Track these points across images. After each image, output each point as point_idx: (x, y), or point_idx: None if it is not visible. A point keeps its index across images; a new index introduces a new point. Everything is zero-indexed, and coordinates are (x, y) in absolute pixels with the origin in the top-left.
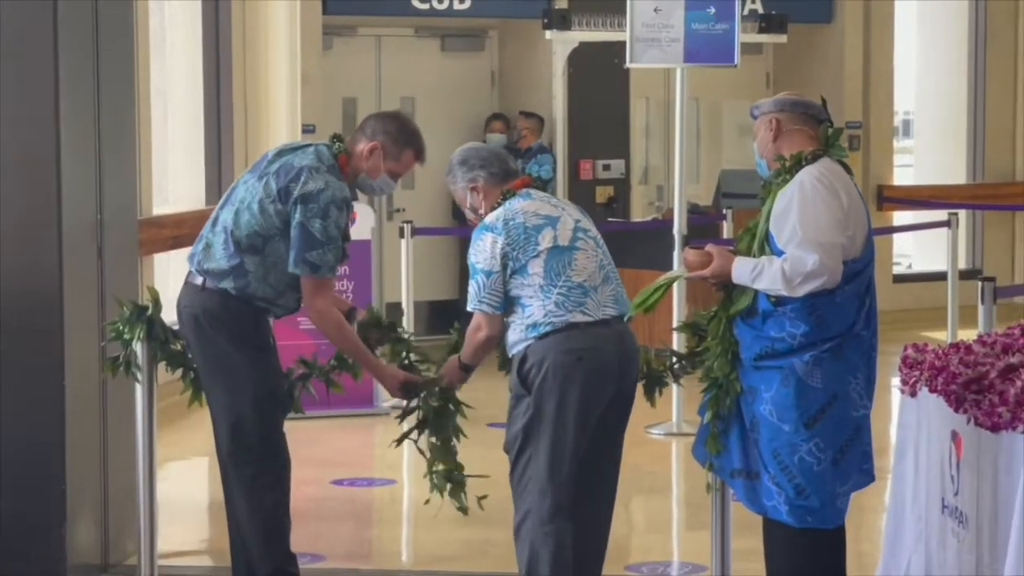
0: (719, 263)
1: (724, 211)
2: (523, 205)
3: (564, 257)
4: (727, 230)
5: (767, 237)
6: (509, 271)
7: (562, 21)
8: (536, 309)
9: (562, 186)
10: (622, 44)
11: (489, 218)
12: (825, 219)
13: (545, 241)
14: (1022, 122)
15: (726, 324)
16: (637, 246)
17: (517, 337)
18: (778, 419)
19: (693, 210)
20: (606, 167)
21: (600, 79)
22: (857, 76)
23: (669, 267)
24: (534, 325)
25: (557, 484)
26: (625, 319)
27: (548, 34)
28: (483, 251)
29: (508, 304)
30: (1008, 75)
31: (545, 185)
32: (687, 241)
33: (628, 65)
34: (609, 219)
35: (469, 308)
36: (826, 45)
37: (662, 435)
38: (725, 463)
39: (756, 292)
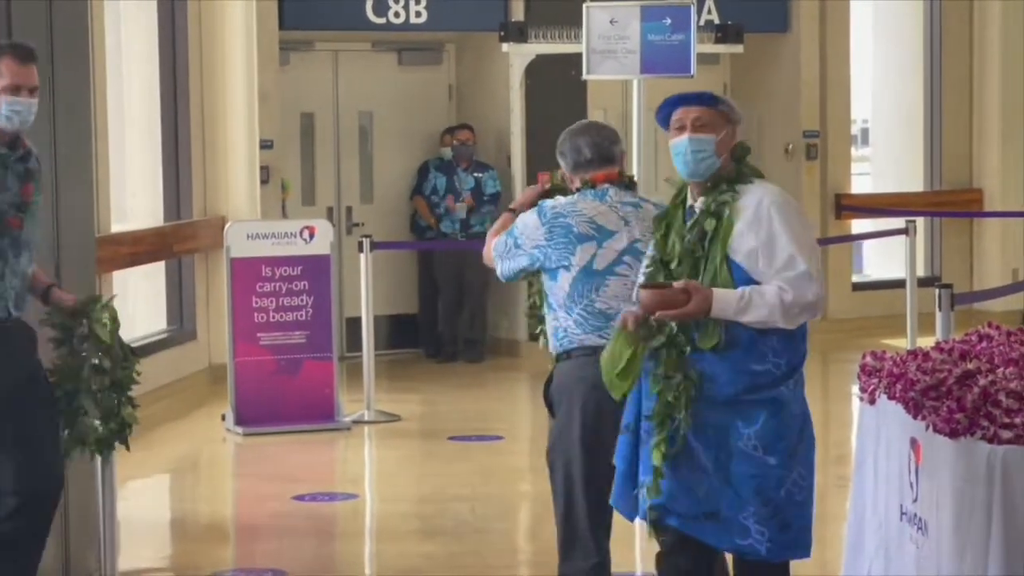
0: (699, 301)
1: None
2: (586, 205)
3: (593, 281)
4: None
5: (728, 265)
6: (539, 265)
7: (519, 34)
8: (561, 318)
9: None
10: (579, 56)
11: (551, 201)
12: (813, 244)
13: (579, 259)
14: (978, 129)
15: (680, 359)
16: None
17: (551, 341)
18: (764, 453)
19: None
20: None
21: (557, 91)
22: (814, 85)
23: None
24: (557, 333)
25: (569, 522)
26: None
27: (505, 47)
28: (528, 226)
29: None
30: (963, 83)
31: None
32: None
33: (585, 77)
34: None
35: (490, 255)
36: (783, 55)
37: None
38: (683, 508)
39: (725, 324)
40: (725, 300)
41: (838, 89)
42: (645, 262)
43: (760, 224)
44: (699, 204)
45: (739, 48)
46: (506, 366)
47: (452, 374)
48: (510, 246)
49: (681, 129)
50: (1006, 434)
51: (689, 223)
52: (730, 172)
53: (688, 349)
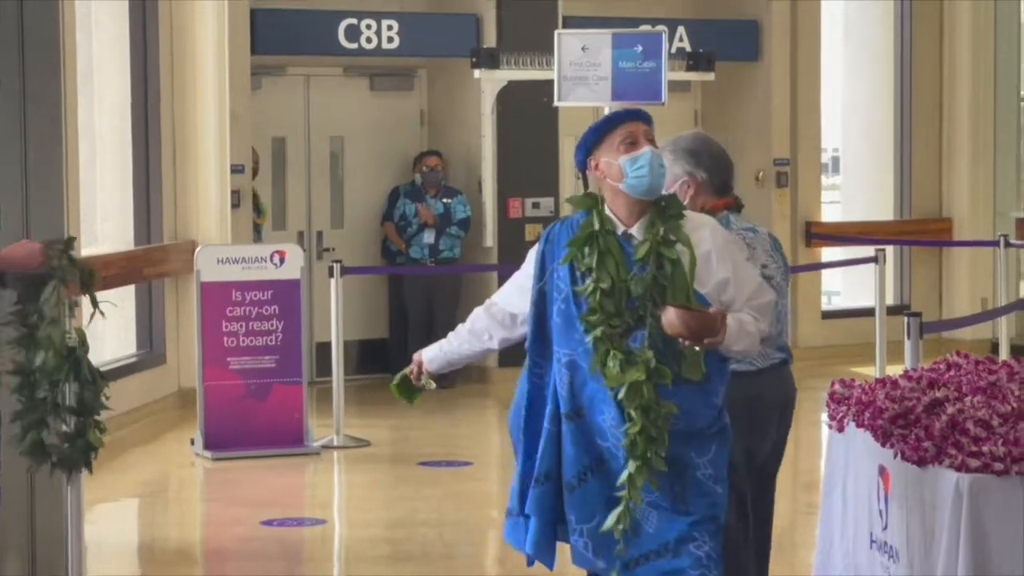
0: (725, 328)
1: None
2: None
3: None
4: None
5: (696, 296)
6: None
7: (490, 60)
8: None
9: (491, 224)
10: (550, 83)
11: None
12: None
13: None
14: (948, 159)
15: (653, 393)
16: None
17: None
18: (714, 482)
19: None
20: (535, 205)
21: (529, 117)
22: (784, 113)
23: None
24: None
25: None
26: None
27: (477, 73)
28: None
29: None
30: (934, 113)
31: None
32: None
33: (556, 104)
34: None
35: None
36: (754, 83)
37: None
38: (641, 547)
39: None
40: (731, 328)
41: (808, 117)
42: (581, 287)
43: (726, 253)
44: (638, 231)
45: (710, 76)
46: (476, 392)
47: (424, 400)
48: None
49: (634, 143)
50: (974, 462)
51: (638, 250)
52: (671, 200)
53: (670, 383)
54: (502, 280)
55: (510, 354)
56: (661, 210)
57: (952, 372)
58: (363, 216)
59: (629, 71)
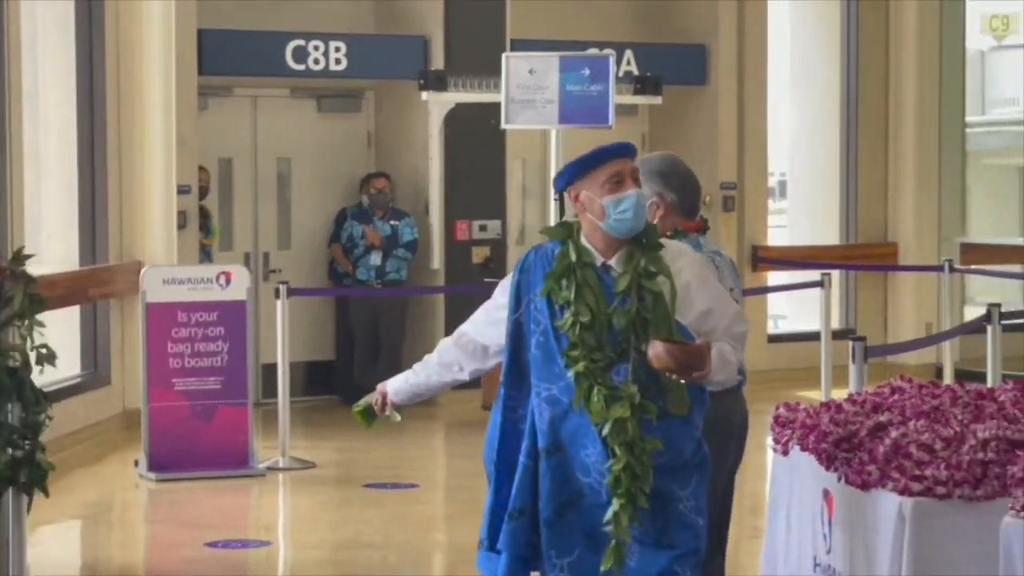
0: (711, 361)
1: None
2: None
3: None
4: None
5: (677, 328)
6: None
7: (438, 82)
8: None
9: (438, 246)
10: (498, 105)
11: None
12: None
13: None
14: (893, 184)
15: (637, 429)
16: None
17: None
18: (696, 514)
19: None
20: (482, 227)
21: (476, 140)
22: (732, 137)
23: None
24: None
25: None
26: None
27: (424, 95)
28: None
29: None
30: (879, 138)
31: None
32: None
33: (504, 126)
34: (486, 279)
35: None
36: (700, 107)
37: None
38: None
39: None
40: (712, 360)
41: (755, 141)
42: (560, 320)
43: (706, 283)
44: (617, 262)
45: (657, 99)
46: (422, 414)
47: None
48: None
49: (620, 183)
50: (916, 486)
51: (619, 282)
52: (649, 231)
53: (655, 418)
54: (449, 302)
55: None
56: (640, 241)
57: (896, 396)
58: (310, 237)
59: (576, 94)
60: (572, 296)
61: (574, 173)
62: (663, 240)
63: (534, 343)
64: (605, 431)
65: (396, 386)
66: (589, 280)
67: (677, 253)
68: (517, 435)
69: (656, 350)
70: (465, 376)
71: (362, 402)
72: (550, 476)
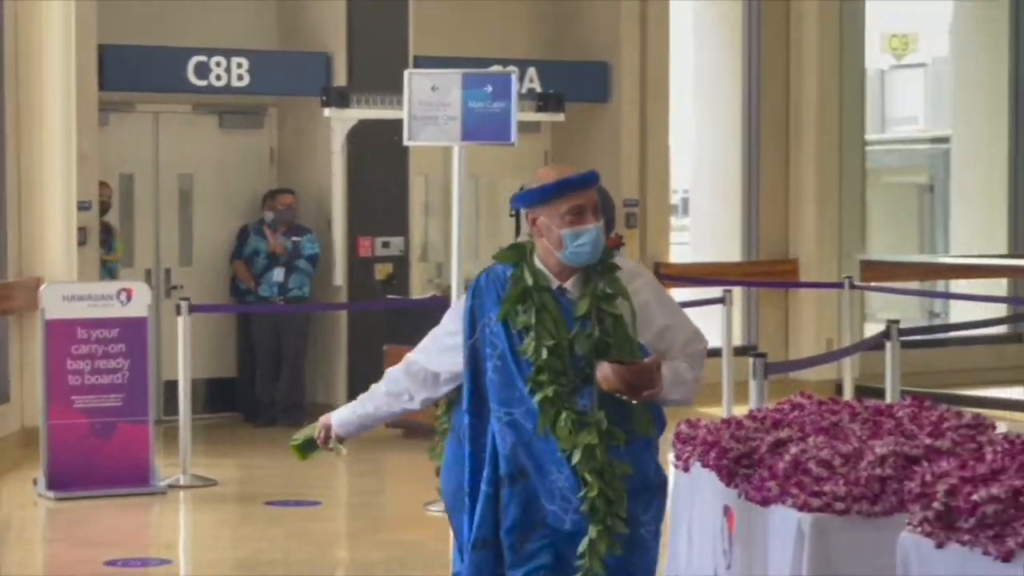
0: (662, 378)
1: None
2: None
3: None
4: None
5: (639, 349)
6: None
7: (340, 99)
8: None
9: (341, 263)
10: (401, 122)
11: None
12: None
13: None
14: (794, 201)
15: (606, 455)
16: (416, 323)
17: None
18: (653, 538)
19: None
20: (385, 244)
21: (379, 156)
22: (634, 155)
23: None
24: None
25: None
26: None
27: (327, 112)
28: None
29: None
30: (781, 155)
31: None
32: None
33: (406, 143)
34: (388, 296)
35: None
36: (603, 124)
37: (440, 512)
38: None
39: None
40: (665, 379)
41: (657, 159)
42: (521, 345)
43: (663, 300)
44: (572, 285)
45: (560, 117)
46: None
47: (271, 438)
48: None
49: (580, 216)
50: (816, 502)
51: (579, 306)
52: (605, 253)
53: (622, 443)
54: (352, 319)
55: (360, 392)
56: (595, 264)
57: (796, 412)
58: (212, 254)
59: (479, 111)
60: (532, 321)
61: (535, 199)
62: (618, 260)
63: (490, 367)
64: (575, 459)
65: (342, 418)
66: (547, 304)
67: (633, 273)
68: (483, 464)
69: (603, 372)
70: (416, 405)
71: (301, 436)
72: (515, 503)
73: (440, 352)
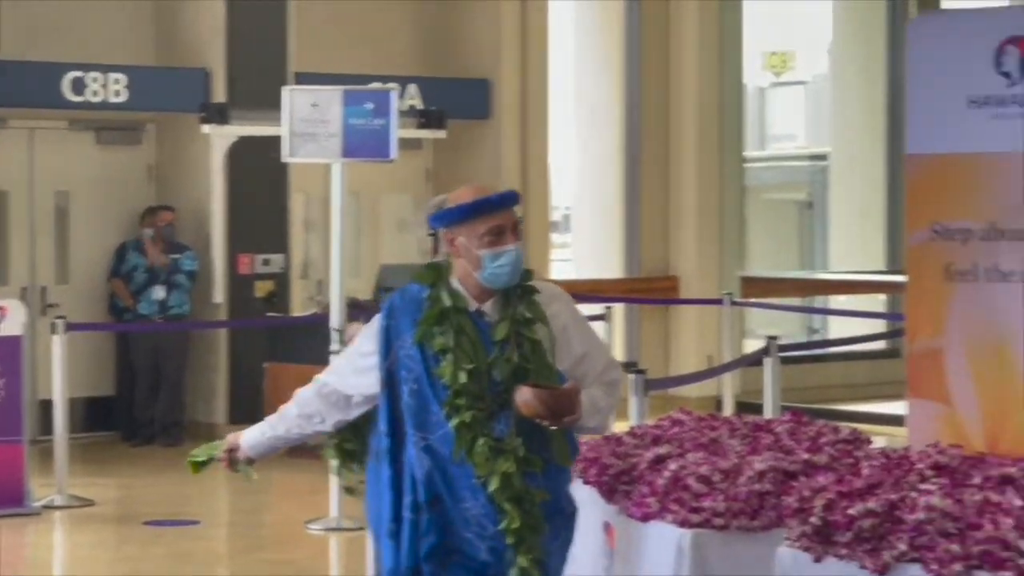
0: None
1: (383, 305)
2: None
3: None
4: None
5: (557, 375)
6: None
7: (220, 115)
8: None
9: (221, 281)
10: (280, 138)
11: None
12: None
13: None
14: (675, 219)
15: (523, 483)
16: (297, 341)
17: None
18: (559, 565)
19: (353, 304)
20: (266, 261)
21: (259, 173)
22: (515, 171)
23: (328, 361)
24: None
25: None
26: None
27: (206, 128)
28: None
29: None
30: (661, 172)
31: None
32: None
33: (286, 160)
34: (268, 314)
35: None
36: (484, 141)
37: (321, 530)
38: None
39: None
40: (583, 405)
41: (538, 175)
42: (437, 368)
43: (581, 327)
44: (490, 308)
45: (441, 133)
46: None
47: (149, 458)
48: None
49: (500, 236)
50: (695, 518)
51: (496, 329)
52: (525, 275)
53: (539, 470)
54: (232, 336)
55: (240, 411)
56: (515, 286)
57: (676, 428)
58: (89, 272)
59: (359, 128)
60: (451, 343)
61: (453, 218)
62: (537, 283)
63: (407, 391)
64: (492, 486)
65: (252, 440)
66: (465, 327)
67: (551, 296)
68: (404, 490)
69: (524, 396)
70: (328, 427)
71: (202, 453)
72: (433, 530)
73: (354, 373)
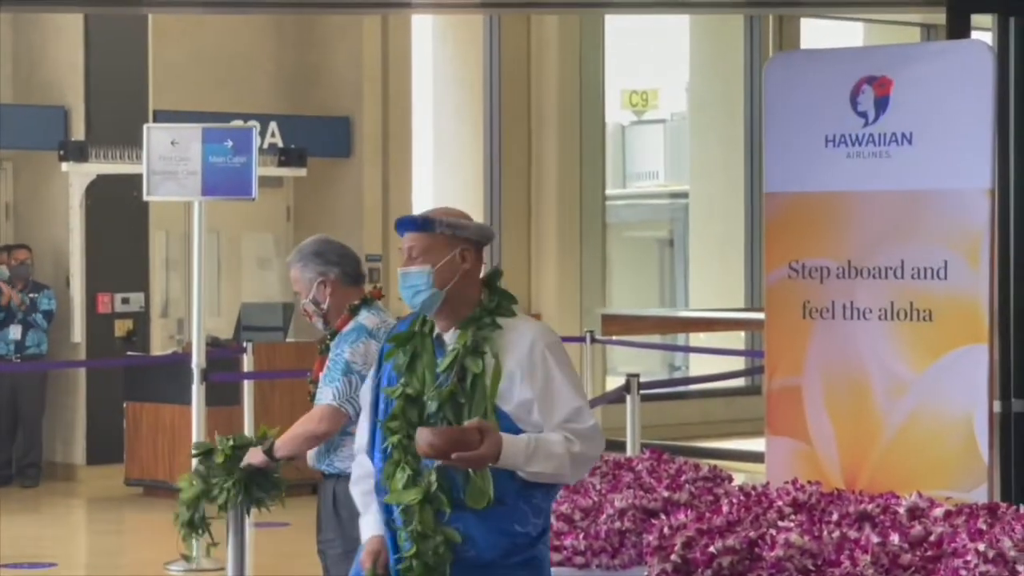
0: (491, 444)
1: (245, 344)
2: (383, 320)
3: None
4: (247, 363)
5: (496, 414)
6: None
7: (79, 153)
8: None
9: (79, 319)
10: (140, 176)
11: (371, 323)
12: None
13: None
14: (536, 255)
15: (437, 518)
16: (157, 380)
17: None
18: None
19: (213, 343)
20: (125, 300)
21: (119, 211)
22: (376, 209)
23: (189, 401)
24: None
25: None
26: None
27: (64, 166)
28: (366, 356)
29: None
30: (522, 210)
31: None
32: (206, 375)
33: (146, 198)
34: (128, 353)
35: (327, 402)
36: (346, 179)
37: (180, 572)
38: None
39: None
40: (515, 445)
41: (400, 213)
42: (380, 391)
43: (535, 372)
44: (451, 336)
45: (302, 171)
46: (62, 491)
47: (5, 499)
48: (356, 385)
49: (407, 257)
50: (556, 556)
51: (444, 359)
52: (488, 302)
53: (448, 509)
54: (91, 376)
55: (99, 451)
56: (478, 316)
57: None
58: None
59: (219, 166)
60: (403, 366)
61: None
62: (517, 320)
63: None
64: (398, 514)
65: (377, 526)
66: (424, 351)
67: (520, 333)
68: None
69: (417, 436)
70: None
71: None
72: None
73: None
